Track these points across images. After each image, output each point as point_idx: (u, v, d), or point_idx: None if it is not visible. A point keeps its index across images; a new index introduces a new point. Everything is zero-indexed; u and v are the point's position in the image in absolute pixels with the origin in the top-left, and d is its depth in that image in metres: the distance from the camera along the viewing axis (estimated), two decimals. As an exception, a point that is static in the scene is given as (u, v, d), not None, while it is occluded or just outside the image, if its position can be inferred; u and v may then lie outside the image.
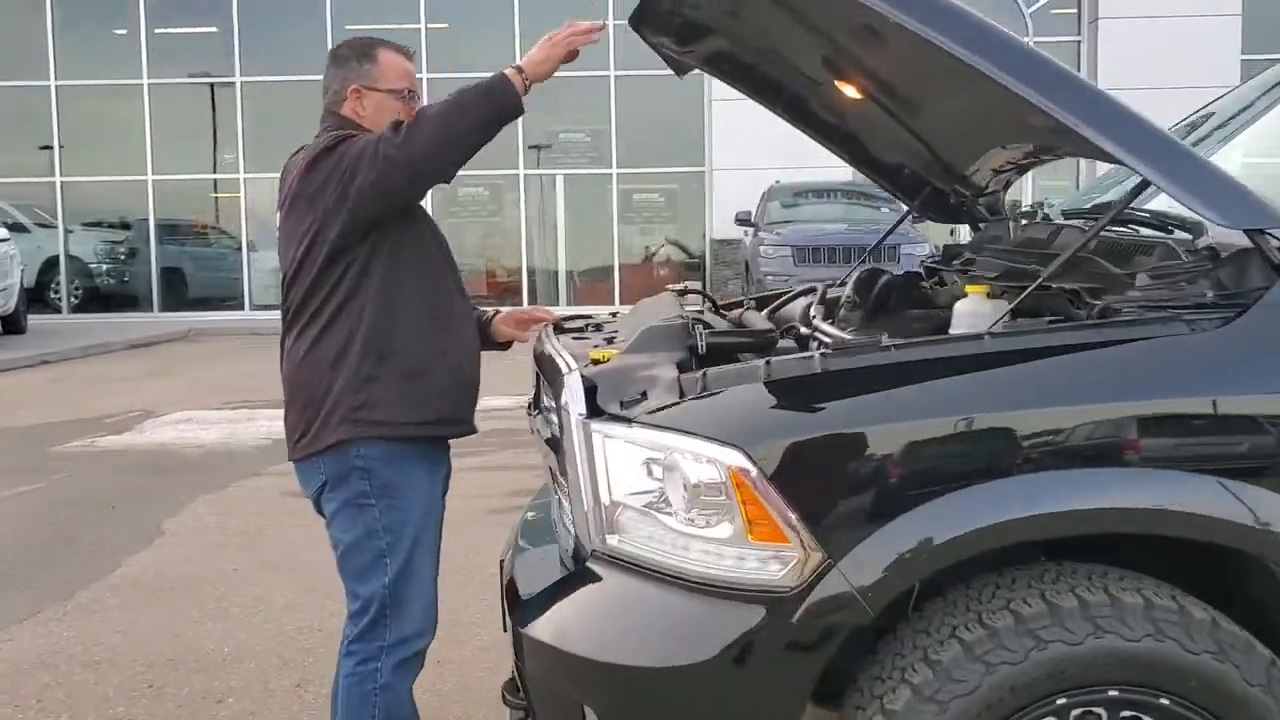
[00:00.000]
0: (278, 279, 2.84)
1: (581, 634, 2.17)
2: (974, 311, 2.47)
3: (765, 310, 3.35)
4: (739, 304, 3.44)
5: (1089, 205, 2.79)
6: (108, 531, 5.98)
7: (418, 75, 2.90)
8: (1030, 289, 2.22)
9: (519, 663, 2.35)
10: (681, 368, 2.29)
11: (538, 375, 2.92)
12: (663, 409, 2.12)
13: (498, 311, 3.08)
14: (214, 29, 19.54)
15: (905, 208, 13.63)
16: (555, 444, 2.55)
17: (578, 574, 2.25)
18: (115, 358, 14.38)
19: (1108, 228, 2.52)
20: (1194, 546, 2.03)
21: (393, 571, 2.69)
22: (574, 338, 2.70)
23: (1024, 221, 2.94)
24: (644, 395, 2.21)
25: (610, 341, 2.58)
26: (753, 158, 17.43)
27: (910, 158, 3.46)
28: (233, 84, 19.48)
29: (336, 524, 2.73)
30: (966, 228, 3.70)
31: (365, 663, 2.71)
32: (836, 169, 17.45)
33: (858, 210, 14.59)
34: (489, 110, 2.57)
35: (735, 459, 1.99)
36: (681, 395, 2.14)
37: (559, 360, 2.43)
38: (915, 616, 2.07)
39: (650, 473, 2.12)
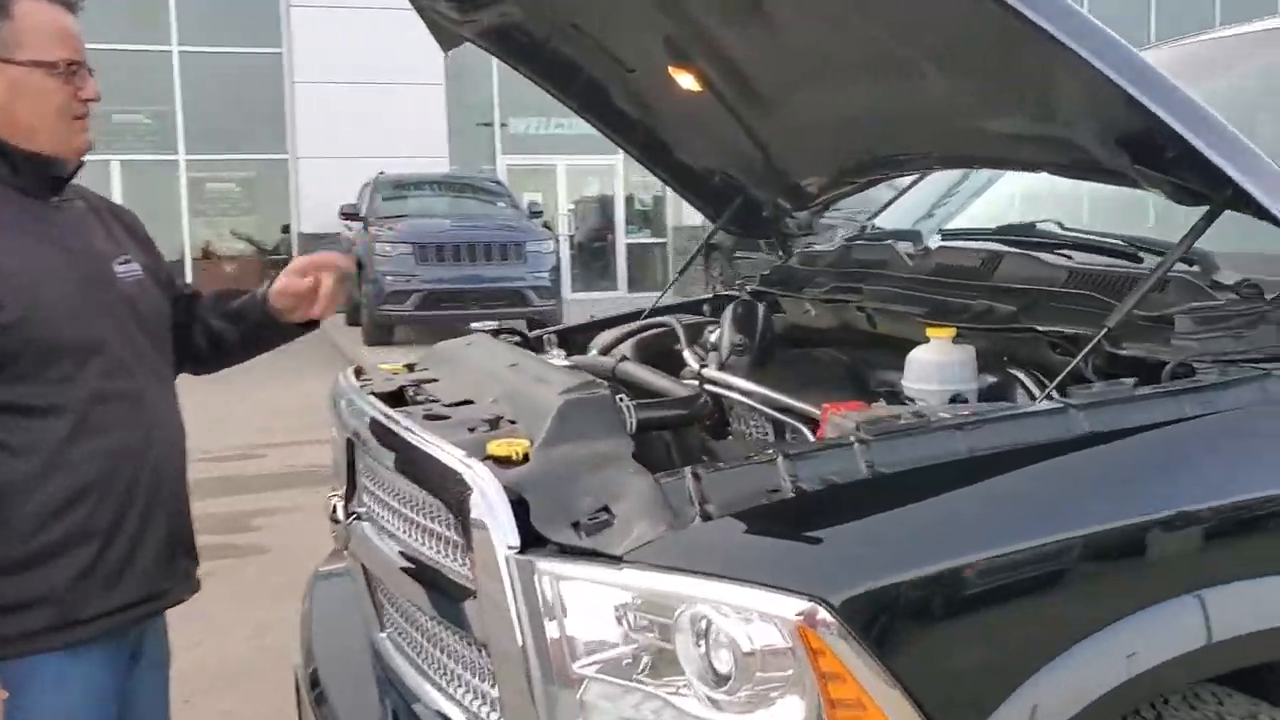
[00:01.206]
0: None
1: None
2: (943, 361, 1.98)
3: (586, 349, 2.72)
4: (539, 340, 2.77)
5: (994, 227, 2.40)
6: None
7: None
8: (1097, 339, 1.75)
9: None
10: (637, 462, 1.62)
11: (350, 462, 2.10)
12: (665, 540, 1.45)
13: (271, 282, 2.19)
14: None
15: (522, 203, 12.85)
16: (427, 578, 1.78)
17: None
18: None
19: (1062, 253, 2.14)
20: None
21: None
22: (426, 415, 1.89)
23: (919, 246, 2.50)
24: (607, 511, 1.53)
25: (494, 425, 1.81)
26: (344, 145, 16.29)
27: (731, 162, 2.95)
28: None
29: None
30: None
31: None
32: (436, 159, 16.87)
33: (467, 204, 13.94)
34: None
35: (808, 613, 1.37)
36: (674, 515, 1.48)
37: (444, 457, 1.67)
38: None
39: (641, 630, 1.46)
